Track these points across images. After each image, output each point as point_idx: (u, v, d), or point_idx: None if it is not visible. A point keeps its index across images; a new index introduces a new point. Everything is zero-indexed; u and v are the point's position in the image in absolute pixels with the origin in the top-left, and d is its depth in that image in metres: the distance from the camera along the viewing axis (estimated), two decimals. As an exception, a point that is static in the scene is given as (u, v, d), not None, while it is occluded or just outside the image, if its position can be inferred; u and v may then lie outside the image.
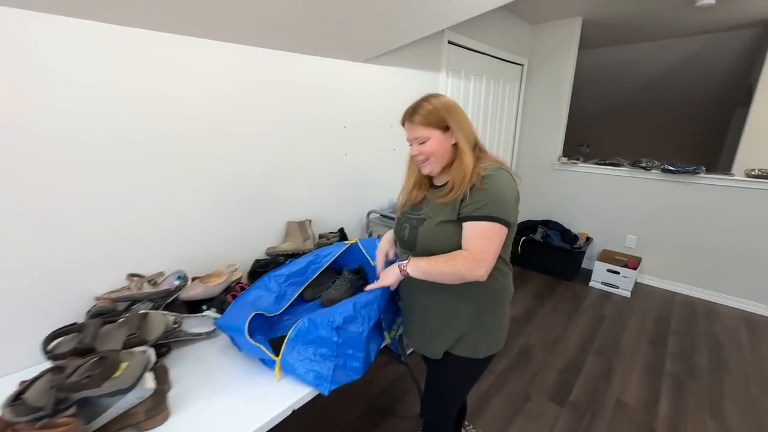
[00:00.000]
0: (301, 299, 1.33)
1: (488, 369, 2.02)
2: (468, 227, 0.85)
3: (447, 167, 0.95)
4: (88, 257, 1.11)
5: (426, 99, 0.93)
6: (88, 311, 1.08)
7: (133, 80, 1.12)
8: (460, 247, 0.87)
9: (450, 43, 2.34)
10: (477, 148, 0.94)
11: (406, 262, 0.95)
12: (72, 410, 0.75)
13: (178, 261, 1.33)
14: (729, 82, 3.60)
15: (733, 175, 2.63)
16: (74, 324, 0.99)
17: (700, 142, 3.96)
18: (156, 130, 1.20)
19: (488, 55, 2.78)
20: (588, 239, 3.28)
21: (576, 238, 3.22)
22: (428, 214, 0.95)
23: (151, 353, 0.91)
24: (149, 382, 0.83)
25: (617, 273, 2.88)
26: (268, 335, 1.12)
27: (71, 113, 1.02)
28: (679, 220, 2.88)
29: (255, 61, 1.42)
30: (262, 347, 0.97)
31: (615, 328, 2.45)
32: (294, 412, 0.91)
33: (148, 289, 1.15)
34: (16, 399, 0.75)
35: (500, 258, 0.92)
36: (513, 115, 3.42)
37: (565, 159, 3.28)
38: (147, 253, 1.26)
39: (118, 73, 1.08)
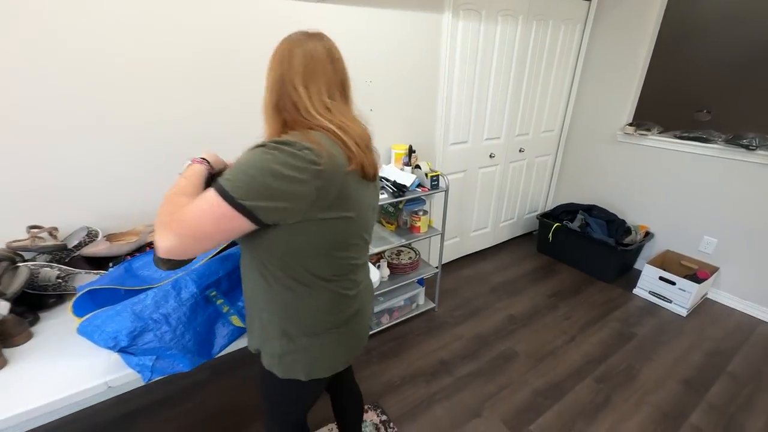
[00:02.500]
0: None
1: (446, 371, 1.79)
2: None
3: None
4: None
5: None
6: (-14, 257, 1.17)
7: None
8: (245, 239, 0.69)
9: (459, -29, 1.83)
10: (302, 113, 0.70)
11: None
12: None
13: (101, 216, 1.37)
14: None
15: None
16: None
17: None
18: (82, 69, 1.18)
19: (528, -14, 2.15)
20: (647, 234, 2.57)
21: (628, 231, 2.54)
22: None
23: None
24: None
25: (672, 283, 2.21)
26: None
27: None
28: (790, 225, 2.03)
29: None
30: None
31: (641, 353, 1.92)
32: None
33: (42, 242, 1.19)
34: None
35: (302, 269, 0.71)
36: (570, 67, 2.70)
37: (631, 129, 2.51)
38: (68, 204, 1.31)
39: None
